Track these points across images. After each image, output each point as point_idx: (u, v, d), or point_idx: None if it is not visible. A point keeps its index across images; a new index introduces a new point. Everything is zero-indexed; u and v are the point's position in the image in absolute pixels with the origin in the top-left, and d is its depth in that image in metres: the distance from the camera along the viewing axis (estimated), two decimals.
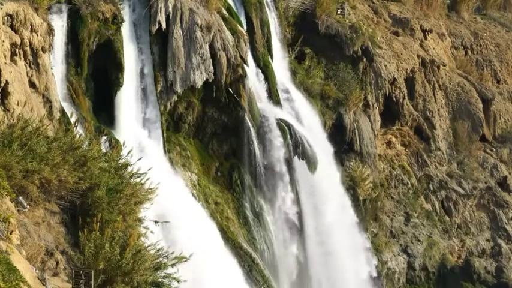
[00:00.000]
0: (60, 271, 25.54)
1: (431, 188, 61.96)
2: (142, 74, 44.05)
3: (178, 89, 44.63)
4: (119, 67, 41.96)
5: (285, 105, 51.23)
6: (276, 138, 47.89)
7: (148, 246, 27.26)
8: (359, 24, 58.36)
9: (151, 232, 29.90)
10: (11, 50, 34.68)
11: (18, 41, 35.25)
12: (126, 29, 43.16)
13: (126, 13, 43.42)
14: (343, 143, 54.73)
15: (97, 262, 25.31)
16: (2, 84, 32.92)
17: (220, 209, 45.70)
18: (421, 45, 64.66)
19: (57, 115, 37.27)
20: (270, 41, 52.03)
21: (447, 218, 61.85)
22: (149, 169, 30.54)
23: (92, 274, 24.63)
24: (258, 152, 47.29)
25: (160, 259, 27.37)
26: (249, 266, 44.65)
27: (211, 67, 45.35)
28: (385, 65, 58.74)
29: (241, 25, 49.29)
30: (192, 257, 28.67)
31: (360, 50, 57.02)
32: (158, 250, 27.43)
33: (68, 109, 38.96)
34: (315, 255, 49.78)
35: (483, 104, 65.90)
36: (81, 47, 40.70)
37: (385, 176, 59.25)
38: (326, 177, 50.99)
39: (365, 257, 53.49)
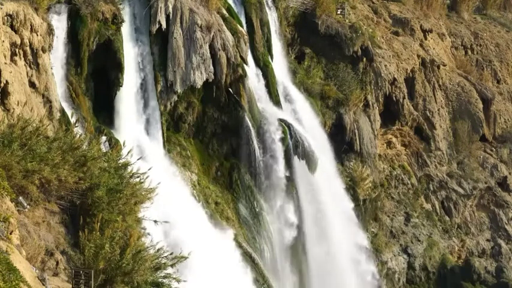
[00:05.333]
0: (60, 271, 25.53)
1: (431, 188, 61.96)
2: (142, 74, 44.06)
3: (178, 89, 44.65)
4: (119, 67, 41.97)
5: (285, 105, 51.23)
6: (276, 139, 47.87)
7: (148, 247, 27.25)
8: (359, 24, 58.37)
9: (149, 234, 29.89)
10: (11, 50, 34.69)
11: (18, 41, 35.26)
12: (126, 29, 43.16)
13: (126, 13, 43.43)
14: (343, 143, 54.74)
15: (97, 262, 25.29)
16: (2, 84, 32.94)
17: (220, 209, 45.69)
18: (421, 45, 64.67)
19: (57, 115, 37.28)
20: (270, 41, 52.04)
21: (447, 218, 61.85)
22: (149, 169, 30.54)
23: (92, 274, 24.61)
24: (258, 152, 47.28)
25: (160, 259, 27.37)
26: (249, 266, 44.65)
27: (211, 67, 45.36)
28: (385, 65, 58.74)
29: (241, 25, 49.30)
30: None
31: (360, 50, 57.04)
32: (158, 250, 27.43)
33: (68, 109, 38.98)
34: (315, 256, 49.79)
35: (483, 104, 65.92)
36: (81, 47, 40.71)
37: (385, 176, 59.24)
38: (326, 177, 50.98)
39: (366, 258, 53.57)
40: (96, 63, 41.79)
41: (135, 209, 29.09)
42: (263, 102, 49.35)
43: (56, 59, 39.39)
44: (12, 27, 35.25)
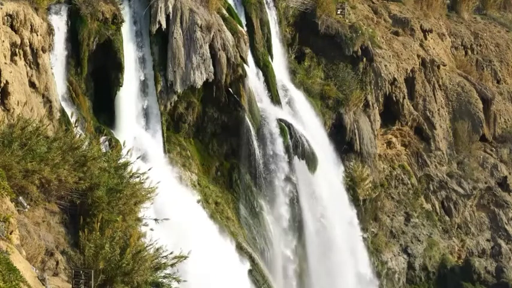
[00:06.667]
0: (60, 271, 25.55)
1: (431, 188, 61.95)
2: (142, 74, 44.05)
3: (178, 89, 44.64)
4: (119, 67, 41.97)
5: (285, 105, 51.24)
6: (276, 138, 47.88)
7: (147, 247, 27.27)
8: (359, 24, 58.35)
9: (151, 229, 29.89)
10: (11, 50, 34.69)
11: (18, 41, 35.26)
12: (126, 29, 43.16)
13: (126, 13, 43.42)
14: (343, 143, 54.73)
15: (97, 262, 25.32)
16: (2, 84, 32.94)
17: (220, 209, 45.70)
18: (421, 45, 64.65)
19: (57, 115, 37.29)
20: (270, 41, 52.03)
21: (447, 218, 61.84)
22: (149, 169, 30.56)
23: (92, 274, 24.64)
24: (258, 152, 47.29)
25: (160, 259, 27.39)
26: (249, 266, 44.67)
27: (211, 67, 45.36)
28: (385, 65, 58.73)
29: (241, 25, 49.29)
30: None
31: (360, 50, 57.02)
32: (157, 249, 27.45)
33: (68, 109, 38.99)
34: (315, 256, 49.80)
35: (483, 104, 65.89)
36: (81, 47, 40.70)
37: (385, 176, 59.23)
38: (326, 177, 50.98)
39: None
40: (96, 63, 41.80)
41: (135, 209, 29.12)
42: (263, 102, 49.35)
43: (56, 59, 39.40)
44: (12, 27, 35.24)
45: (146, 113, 44.03)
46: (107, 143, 39.09)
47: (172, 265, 27.60)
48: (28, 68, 36.16)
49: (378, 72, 58.31)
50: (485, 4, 78.78)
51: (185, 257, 27.88)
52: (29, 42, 36.04)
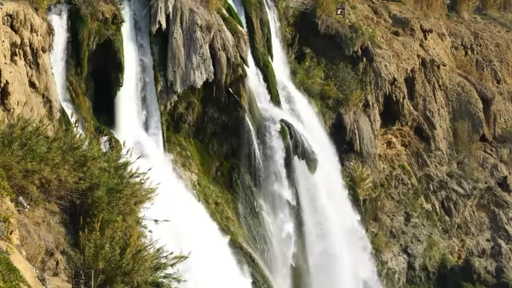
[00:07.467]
0: (60, 271, 25.54)
1: (431, 188, 61.97)
2: (142, 74, 44.05)
3: (178, 89, 44.65)
4: (119, 67, 41.97)
5: (285, 105, 51.24)
6: (276, 138, 47.88)
7: (147, 246, 27.27)
8: (359, 24, 58.37)
9: (150, 231, 29.88)
10: (11, 50, 34.67)
11: (18, 41, 35.25)
12: (126, 29, 43.17)
13: (126, 13, 43.43)
14: (343, 143, 54.74)
15: (97, 262, 25.31)
16: (2, 84, 32.93)
17: (220, 209, 45.70)
18: (421, 45, 64.66)
19: (57, 115, 37.28)
20: (270, 41, 52.04)
21: (447, 218, 61.86)
22: (149, 169, 30.55)
23: (92, 274, 24.64)
24: (258, 152, 47.29)
25: (160, 259, 27.38)
26: (249, 266, 44.66)
27: (211, 67, 45.36)
28: (385, 65, 58.74)
29: (241, 25, 49.30)
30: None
31: (360, 50, 57.04)
32: (158, 250, 27.45)
33: (68, 109, 38.98)
34: (315, 257, 49.78)
35: (483, 104, 65.92)
36: (81, 47, 40.70)
37: (385, 176, 59.24)
38: (326, 177, 50.98)
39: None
40: (96, 63, 41.80)
41: (135, 209, 29.10)
42: (263, 102, 49.36)
43: (56, 59, 39.40)
44: (12, 27, 35.23)
45: (146, 113, 44.03)
46: (107, 143, 39.09)
47: (172, 265, 27.59)
48: (28, 68, 36.14)
49: (378, 72, 58.32)
50: (485, 4, 78.80)
51: (185, 257, 27.87)
52: (29, 42, 36.03)
